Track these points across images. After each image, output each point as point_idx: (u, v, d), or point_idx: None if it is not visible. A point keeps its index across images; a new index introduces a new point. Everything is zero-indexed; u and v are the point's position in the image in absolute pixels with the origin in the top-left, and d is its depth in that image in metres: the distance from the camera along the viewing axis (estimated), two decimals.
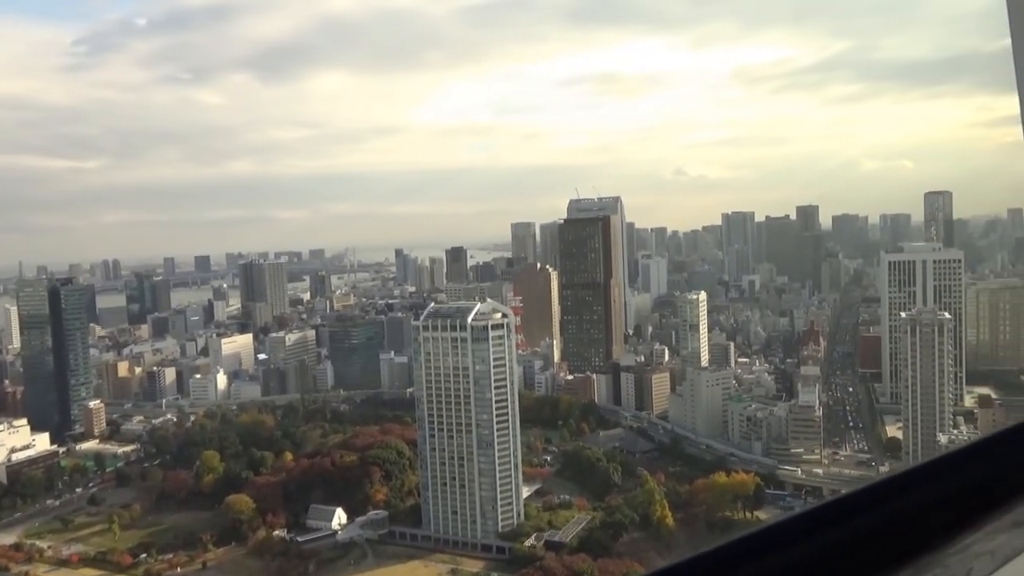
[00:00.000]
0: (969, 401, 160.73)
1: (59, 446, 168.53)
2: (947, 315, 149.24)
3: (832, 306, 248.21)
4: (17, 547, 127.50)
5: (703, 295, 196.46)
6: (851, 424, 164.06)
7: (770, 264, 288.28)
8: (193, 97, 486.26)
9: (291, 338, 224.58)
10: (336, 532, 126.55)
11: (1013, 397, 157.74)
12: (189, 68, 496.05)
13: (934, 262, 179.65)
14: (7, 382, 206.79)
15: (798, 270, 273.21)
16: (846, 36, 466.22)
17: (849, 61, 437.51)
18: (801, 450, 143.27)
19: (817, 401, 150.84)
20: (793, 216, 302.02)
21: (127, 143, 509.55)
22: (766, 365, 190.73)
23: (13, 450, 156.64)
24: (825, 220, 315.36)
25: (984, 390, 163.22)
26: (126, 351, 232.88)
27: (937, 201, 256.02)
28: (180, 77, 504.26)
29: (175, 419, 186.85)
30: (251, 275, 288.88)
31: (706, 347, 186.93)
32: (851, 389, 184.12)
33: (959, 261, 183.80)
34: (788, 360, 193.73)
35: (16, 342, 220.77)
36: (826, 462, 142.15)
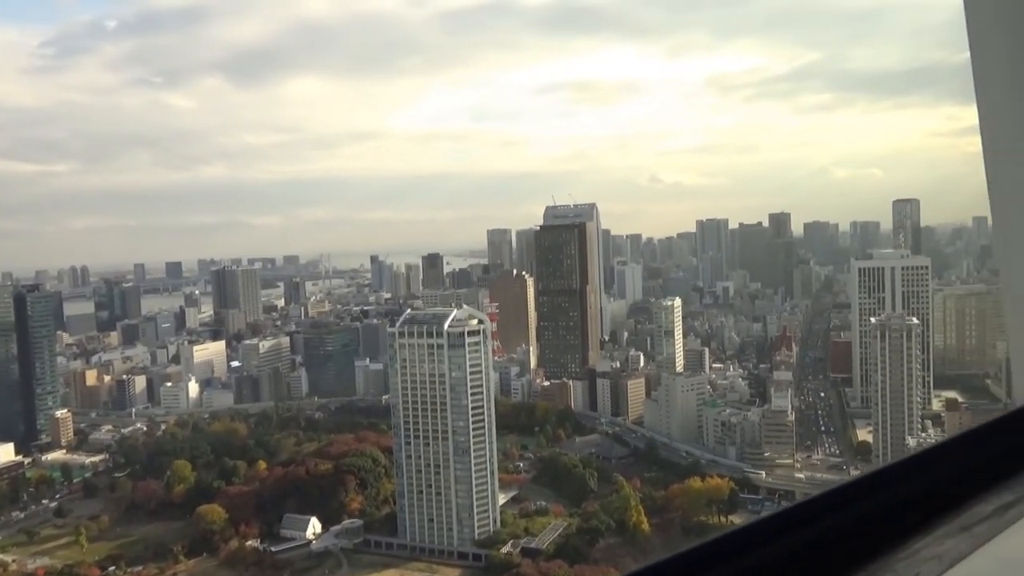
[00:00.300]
0: (936, 405, 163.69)
1: (24, 457, 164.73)
2: (915, 321, 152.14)
3: (804, 312, 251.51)
4: None
5: (678, 301, 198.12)
6: (823, 428, 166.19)
7: (743, 270, 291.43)
8: (165, 101, 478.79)
9: (265, 345, 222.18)
10: (310, 541, 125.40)
11: (979, 400, 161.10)
12: (160, 71, 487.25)
13: (902, 269, 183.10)
14: None
15: (771, 276, 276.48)
16: (816, 47, 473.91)
17: (820, 71, 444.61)
18: (769, 453, 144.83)
19: (790, 406, 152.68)
20: (766, 223, 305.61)
21: (96, 147, 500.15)
22: (740, 370, 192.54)
23: None
24: (797, 227, 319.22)
25: (951, 394, 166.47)
26: (95, 359, 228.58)
27: (905, 209, 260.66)
28: (151, 80, 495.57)
29: (145, 428, 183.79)
30: (224, 281, 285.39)
31: (681, 353, 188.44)
32: (822, 394, 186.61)
33: (926, 268, 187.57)
34: (761, 365, 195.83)
35: None
36: (798, 466, 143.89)
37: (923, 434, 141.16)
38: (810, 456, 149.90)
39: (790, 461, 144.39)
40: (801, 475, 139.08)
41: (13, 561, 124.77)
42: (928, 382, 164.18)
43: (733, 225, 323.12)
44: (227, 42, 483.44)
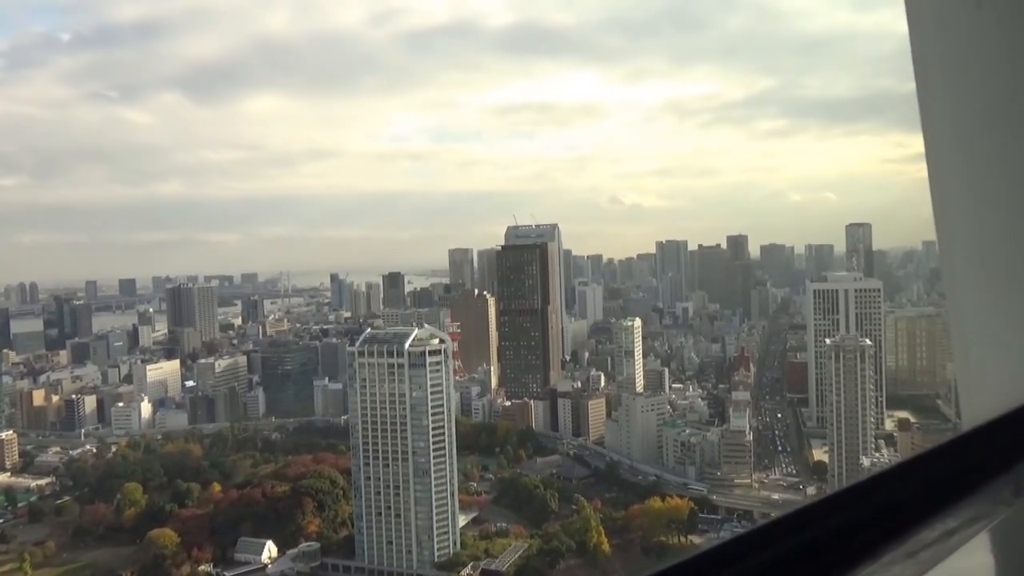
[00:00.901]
0: (889, 424, 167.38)
1: None
2: (868, 342, 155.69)
3: (761, 333, 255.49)
4: None
5: (638, 322, 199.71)
6: (780, 448, 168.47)
7: (702, 292, 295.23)
8: (120, 116, 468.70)
9: (221, 364, 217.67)
10: (266, 566, 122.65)
11: (930, 420, 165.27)
12: (116, 85, 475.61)
13: (855, 291, 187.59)
14: None
15: (729, 298, 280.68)
16: (771, 74, 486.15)
17: (775, 98, 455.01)
18: (720, 473, 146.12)
19: (748, 426, 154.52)
20: (724, 245, 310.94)
21: (48, 161, 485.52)
22: (699, 391, 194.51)
23: None
24: (754, 249, 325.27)
25: (903, 414, 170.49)
26: (42, 378, 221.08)
27: (858, 232, 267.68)
28: (106, 95, 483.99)
29: (95, 450, 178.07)
30: (179, 299, 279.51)
31: (641, 373, 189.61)
32: (779, 414, 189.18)
33: (879, 290, 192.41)
34: (720, 386, 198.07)
35: None
36: (756, 486, 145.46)
37: (876, 454, 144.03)
38: (767, 476, 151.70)
39: (748, 480, 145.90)
40: (776, 496, 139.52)
41: None
42: (881, 402, 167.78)
43: (692, 247, 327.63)
44: (186, 58, 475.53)
